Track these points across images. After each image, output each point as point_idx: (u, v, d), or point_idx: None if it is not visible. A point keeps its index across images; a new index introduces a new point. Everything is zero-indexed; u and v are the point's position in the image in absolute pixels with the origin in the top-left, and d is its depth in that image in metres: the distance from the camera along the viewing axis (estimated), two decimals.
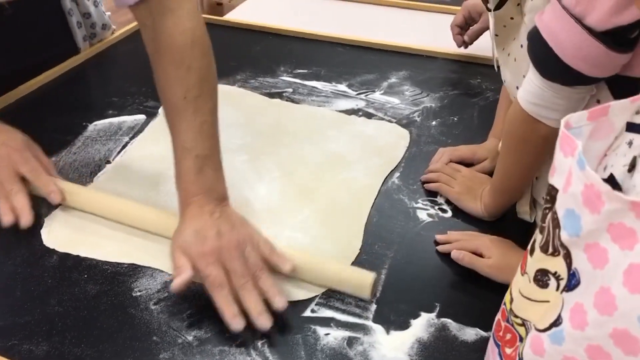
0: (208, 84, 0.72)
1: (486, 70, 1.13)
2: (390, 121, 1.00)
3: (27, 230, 0.74)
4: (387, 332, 0.64)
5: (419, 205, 0.82)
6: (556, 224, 0.38)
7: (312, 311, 0.66)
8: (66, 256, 0.72)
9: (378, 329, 0.64)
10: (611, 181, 0.39)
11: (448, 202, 0.83)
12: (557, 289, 0.40)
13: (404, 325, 0.64)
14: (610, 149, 0.42)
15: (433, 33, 1.30)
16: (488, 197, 0.79)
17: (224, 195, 0.71)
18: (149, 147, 0.92)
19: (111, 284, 0.68)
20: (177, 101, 0.70)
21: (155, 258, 0.72)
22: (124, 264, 0.71)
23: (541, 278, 0.41)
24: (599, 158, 0.42)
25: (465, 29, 1.13)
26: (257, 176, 0.86)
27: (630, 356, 0.35)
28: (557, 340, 0.39)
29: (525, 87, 0.65)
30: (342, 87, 1.10)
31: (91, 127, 0.97)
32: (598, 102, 0.62)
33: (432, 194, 0.84)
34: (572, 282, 0.38)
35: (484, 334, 0.63)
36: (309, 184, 0.85)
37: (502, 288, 0.48)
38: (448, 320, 0.65)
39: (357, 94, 1.08)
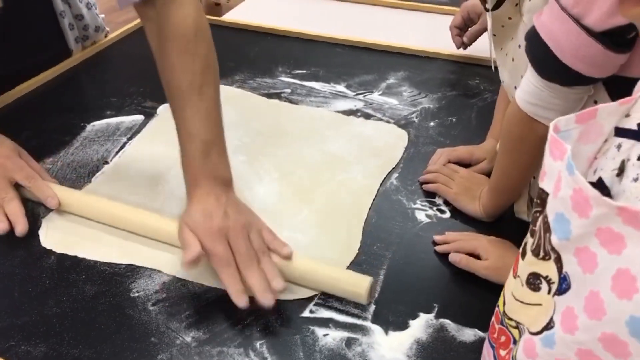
0: (211, 71, 0.74)
1: (484, 71, 1.13)
2: (388, 122, 1.00)
3: None
4: (386, 332, 0.64)
5: (418, 206, 0.82)
6: (547, 227, 0.39)
7: (311, 312, 0.66)
8: (64, 257, 0.72)
9: (377, 329, 0.64)
10: (600, 185, 0.39)
11: (446, 202, 0.83)
12: (549, 292, 0.40)
13: (402, 326, 0.64)
14: (600, 152, 0.42)
15: (431, 34, 1.30)
16: (486, 198, 0.79)
17: (229, 180, 0.73)
18: (147, 148, 0.92)
19: (109, 284, 0.68)
20: (183, 88, 0.71)
21: (154, 259, 0.72)
22: (122, 264, 0.71)
23: (533, 281, 0.41)
24: (589, 161, 0.42)
25: (464, 30, 1.13)
26: (255, 177, 0.86)
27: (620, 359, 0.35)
28: (549, 343, 0.39)
29: (523, 87, 0.65)
30: (341, 87, 1.10)
31: (89, 127, 0.96)
32: (595, 102, 0.62)
33: (430, 195, 0.84)
34: (563, 286, 0.38)
35: (482, 334, 0.63)
36: (307, 184, 0.85)
37: (500, 289, 0.48)
38: (446, 321, 0.65)
39: (356, 95, 1.08)
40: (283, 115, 1.01)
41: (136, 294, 0.67)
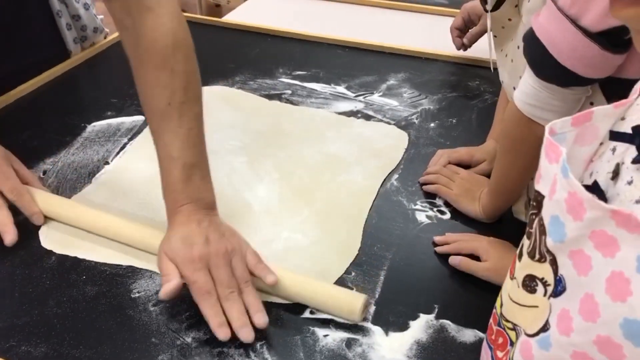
0: (193, 88, 0.69)
1: (484, 72, 1.13)
2: (388, 123, 1.00)
3: (25, 231, 0.74)
4: (386, 333, 0.64)
5: (418, 207, 0.82)
6: (542, 230, 0.39)
7: (311, 312, 0.66)
8: (64, 257, 0.72)
9: (377, 330, 0.64)
10: (596, 188, 0.39)
11: (447, 203, 0.83)
12: (545, 294, 0.40)
13: (402, 327, 0.64)
14: (596, 154, 0.42)
15: (431, 35, 1.30)
16: (486, 199, 0.79)
17: (212, 204, 0.69)
18: (148, 149, 0.91)
19: (110, 285, 0.68)
20: (161, 107, 0.67)
21: (154, 260, 0.72)
22: (122, 265, 0.71)
23: (529, 283, 0.41)
24: (585, 163, 0.42)
25: (465, 31, 1.14)
26: (256, 178, 0.86)
27: None
28: (545, 345, 0.39)
29: (522, 88, 0.65)
30: (341, 89, 1.10)
31: (90, 128, 0.97)
32: (592, 104, 0.62)
33: (430, 196, 0.84)
34: (558, 288, 0.38)
35: (482, 335, 0.63)
36: (308, 185, 0.85)
37: (500, 290, 0.48)
38: (447, 322, 0.65)
39: (356, 96, 1.08)
40: (283, 117, 1.01)
41: (137, 295, 0.67)
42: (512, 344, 0.46)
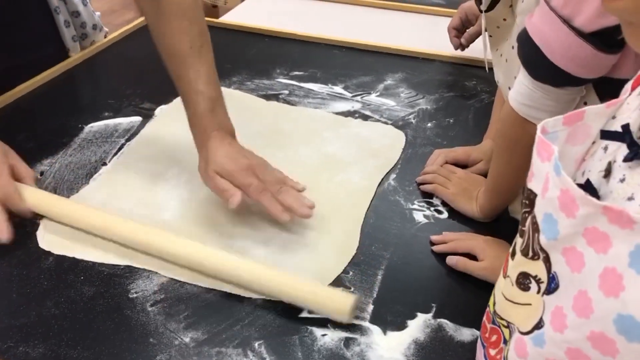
0: (207, 35, 0.79)
1: (481, 72, 1.13)
2: (386, 123, 1.00)
3: (22, 232, 0.74)
4: (384, 332, 0.64)
5: (415, 206, 0.82)
6: (535, 228, 0.39)
7: (309, 312, 0.66)
8: (62, 258, 0.72)
9: (375, 329, 0.64)
10: (588, 186, 0.39)
11: (444, 203, 0.83)
12: (538, 292, 0.40)
13: (400, 326, 0.65)
14: (588, 153, 0.42)
15: (429, 35, 1.31)
16: (483, 199, 0.79)
17: (234, 131, 0.79)
18: (145, 149, 0.92)
19: (107, 285, 0.68)
20: (184, 50, 0.76)
21: (152, 260, 0.72)
22: (120, 265, 0.71)
23: (523, 281, 0.41)
24: (577, 162, 0.43)
25: (462, 31, 1.14)
26: None
27: (608, 357, 0.35)
28: (539, 343, 0.40)
29: (516, 89, 0.65)
30: (338, 89, 1.10)
31: (87, 129, 0.96)
32: (585, 104, 0.62)
33: (428, 196, 0.84)
34: (552, 286, 0.39)
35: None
36: (305, 185, 0.85)
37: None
38: (444, 321, 0.65)
39: (353, 96, 1.08)
40: (281, 117, 1.01)
41: (134, 295, 0.67)
42: (505, 341, 0.46)
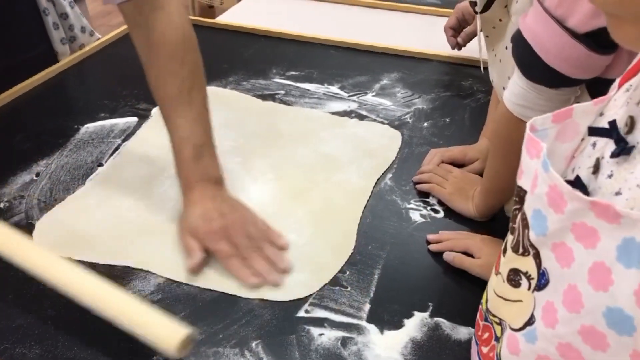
0: (199, 76, 0.77)
1: (477, 72, 1.13)
2: (382, 123, 1.00)
3: (19, 233, 0.74)
4: (381, 332, 0.64)
5: (412, 206, 0.82)
6: (525, 224, 0.39)
7: (306, 312, 0.66)
8: (58, 256, 0.71)
9: (372, 328, 0.64)
10: (578, 183, 0.40)
11: (440, 202, 0.83)
12: (529, 288, 0.40)
13: (397, 325, 0.65)
14: (578, 150, 0.43)
15: (424, 35, 1.31)
16: (479, 198, 0.79)
17: (221, 179, 0.77)
18: (141, 150, 0.92)
19: None
20: (173, 94, 0.74)
21: (148, 260, 0.72)
22: (117, 266, 0.71)
23: (513, 278, 0.42)
24: (567, 159, 0.43)
25: (459, 31, 1.14)
26: (250, 178, 0.86)
27: (599, 351, 0.35)
28: (531, 339, 0.40)
29: (511, 89, 0.65)
30: (335, 89, 1.10)
31: (83, 129, 0.96)
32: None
33: (424, 195, 0.84)
34: (542, 282, 0.39)
35: None
36: (302, 185, 0.85)
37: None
38: (441, 320, 0.65)
39: (350, 96, 1.08)
40: (277, 117, 1.01)
41: (132, 295, 0.67)
42: (497, 339, 0.46)
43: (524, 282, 0.41)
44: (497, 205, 0.79)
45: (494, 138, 0.74)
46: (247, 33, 1.32)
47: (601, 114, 0.42)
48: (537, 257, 0.39)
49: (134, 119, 0.99)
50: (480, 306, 0.50)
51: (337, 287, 0.69)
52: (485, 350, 0.48)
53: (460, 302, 0.68)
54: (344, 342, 0.63)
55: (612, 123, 0.39)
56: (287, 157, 0.91)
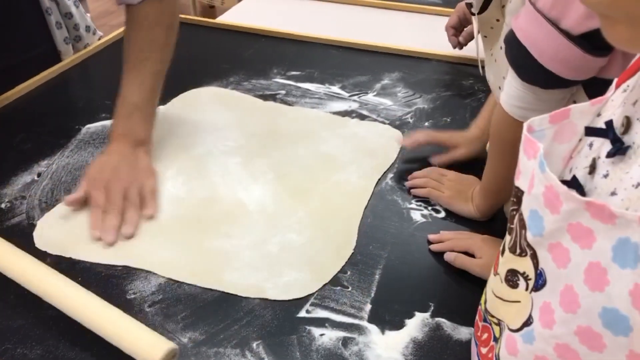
0: (157, 51, 0.86)
1: (478, 71, 1.12)
2: (383, 122, 1.00)
3: (19, 233, 0.74)
4: (382, 332, 0.64)
5: (413, 205, 0.82)
6: (522, 225, 0.39)
7: (307, 312, 0.66)
8: (59, 259, 0.72)
9: (373, 329, 0.64)
10: (575, 183, 0.40)
11: None
12: (527, 289, 0.41)
13: (398, 325, 0.65)
14: (575, 151, 0.43)
15: (425, 35, 1.31)
16: (479, 198, 0.79)
17: (143, 140, 0.85)
18: None
19: (105, 287, 0.68)
20: (128, 61, 0.85)
21: (149, 260, 0.72)
22: (117, 266, 0.71)
23: (511, 278, 0.42)
24: (564, 160, 0.43)
25: (460, 30, 1.14)
26: (251, 178, 0.86)
27: (595, 352, 0.35)
28: (529, 339, 0.40)
29: (507, 91, 0.65)
30: (335, 88, 1.10)
31: (84, 130, 0.96)
32: (575, 102, 0.62)
33: None
34: (539, 282, 0.39)
35: None
36: (302, 185, 0.85)
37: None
38: (442, 320, 0.65)
39: (350, 96, 1.08)
40: (278, 117, 1.01)
41: (132, 296, 0.67)
42: (495, 339, 0.46)
43: (522, 282, 0.41)
44: (497, 204, 0.79)
45: (494, 141, 0.74)
46: (248, 33, 1.32)
47: (599, 115, 0.42)
48: (534, 257, 0.39)
49: None
50: (480, 307, 0.50)
51: (338, 287, 0.69)
52: (484, 350, 0.48)
53: (462, 302, 0.68)
54: (345, 342, 0.63)
55: (609, 123, 0.39)
56: (288, 157, 0.91)
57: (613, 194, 0.36)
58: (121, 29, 1.28)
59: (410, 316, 0.66)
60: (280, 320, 0.65)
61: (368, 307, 0.67)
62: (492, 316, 0.46)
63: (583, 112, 0.42)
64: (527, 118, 0.63)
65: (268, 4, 1.51)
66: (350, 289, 0.69)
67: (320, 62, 1.19)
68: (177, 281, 0.69)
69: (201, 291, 0.68)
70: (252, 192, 0.84)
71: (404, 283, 0.70)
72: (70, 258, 0.72)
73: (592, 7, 0.34)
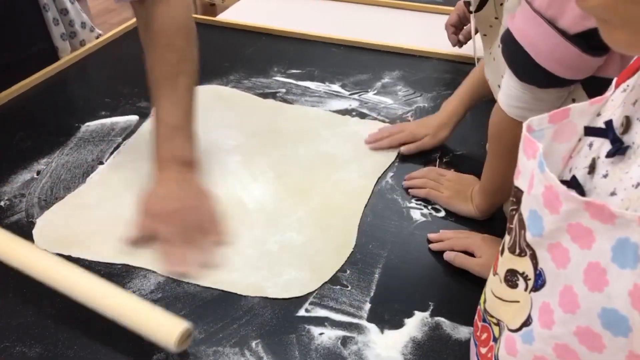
0: (188, 63, 0.81)
1: None
2: (383, 121, 1.00)
3: (19, 231, 0.74)
4: (382, 331, 0.64)
5: (413, 205, 0.82)
6: (522, 225, 0.39)
7: (306, 311, 0.66)
8: (58, 257, 0.71)
9: (372, 328, 0.64)
10: (574, 183, 0.40)
11: None
12: (526, 289, 0.40)
13: (398, 325, 0.65)
14: (575, 150, 0.43)
15: (426, 33, 1.31)
16: (479, 198, 0.79)
17: (193, 162, 0.80)
18: (142, 148, 0.92)
19: None
20: (160, 78, 0.79)
21: (148, 259, 0.72)
22: (117, 264, 0.71)
23: (510, 278, 0.42)
24: (564, 160, 0.43)
25: (460, 28, 1.14)
26: (251, 177, 0.86)
27: (595, 352, 0.35)
28: (528, 340, 0.40)
29: (505, 91, 0.65)
30: (336, 87, 1.10)
31: (84, 128, 0.96)
32: (573, 100, 0.62)
33: None
34: (539, 282, 0.39)
35: None
36: (302, 184, 0.85)
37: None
38: (442, 319, 0.65)
39: (351, 94, 1.08)
40: (278, 115, 1.01)
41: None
42: (495, 339, 0.46)
43: (521, 282, 0.41)
44: (497, 203, 0.79)
45: (494, 142, 0.74)
46: (248, 31, 1.31)
47: (598, 114, 0.42)
48: (533, 257, 0.39)
49: (135, 118, 0.99)
50: (479, 307, 0.50)
51: (338, 286, 0.69)
52: (483, 350, 0.48)
53: (461, 302, 0.68)
54: (344, 341, 0.63)
55: (609, 123, 0.39)
56: (288, 156, 0.91)
57: (613, 194, 0.36)
58: (121, 27, 1.28)
59: (410, 315, 0.66)
60: (280, 319, 0.65)
61: (367, 306, 0.67)
62: (492, 316, 0.46)
63: (582, 111, 0.42)
64: (526, 118, 0.63)
65: (268, 2, 1.51)
66: (349, 288, 0.69)
67: (321, 60, 1.19)
68: (176, 280, 0.69)
69: (200, 290, 0.68)
70: (252, 191, 0.83)
71: (404, 282, 0.70)
72: (69, 256, 0.72)
73: (588, 11, 0.34)
